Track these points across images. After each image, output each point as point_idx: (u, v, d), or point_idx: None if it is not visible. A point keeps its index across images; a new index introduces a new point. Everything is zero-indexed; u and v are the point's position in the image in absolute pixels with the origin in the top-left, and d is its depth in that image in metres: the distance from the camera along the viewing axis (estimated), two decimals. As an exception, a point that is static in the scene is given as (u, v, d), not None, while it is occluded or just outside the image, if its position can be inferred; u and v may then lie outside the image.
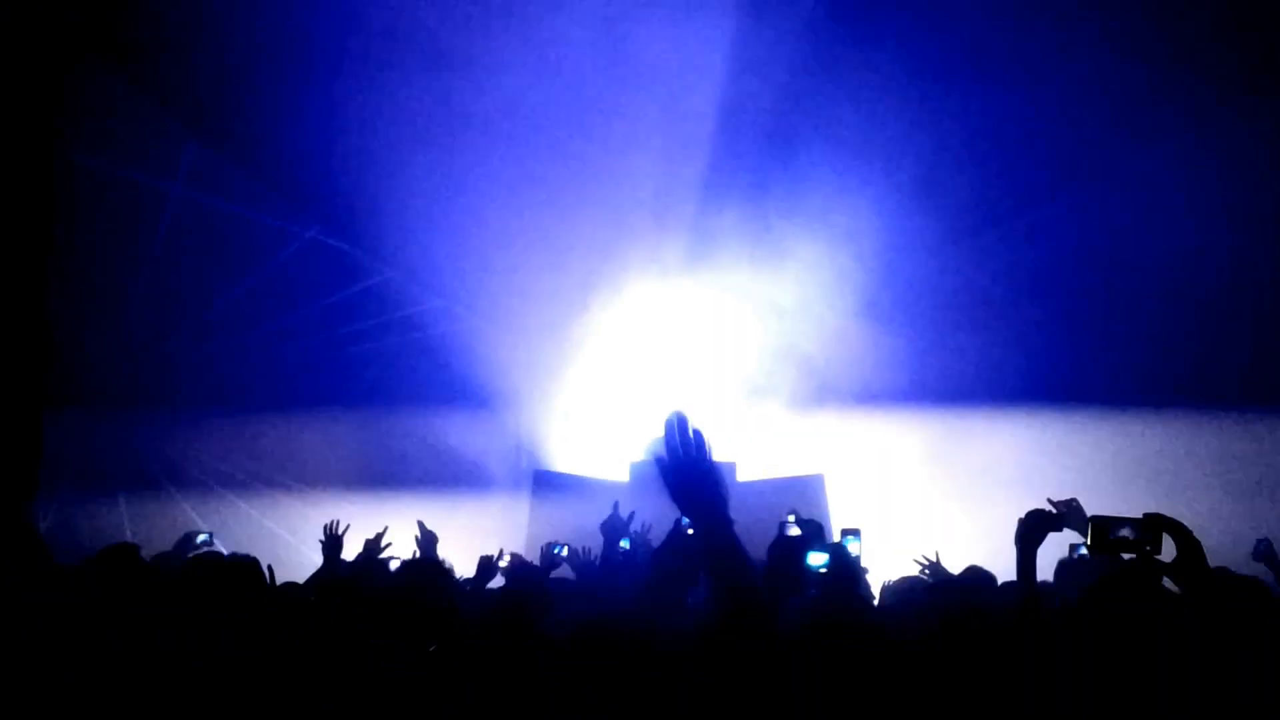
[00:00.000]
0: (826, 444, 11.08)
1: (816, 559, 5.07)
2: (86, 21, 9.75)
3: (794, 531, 5.80)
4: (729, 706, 2.43)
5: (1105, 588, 3.03)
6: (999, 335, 10.98)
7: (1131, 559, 3.02)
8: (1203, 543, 2.83)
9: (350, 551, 5.67)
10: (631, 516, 6.52)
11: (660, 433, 2.65)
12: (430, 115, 10.65)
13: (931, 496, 10.53)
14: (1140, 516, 3.01)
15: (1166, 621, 2.66)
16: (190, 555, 6.26)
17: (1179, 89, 9.89)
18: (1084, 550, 4.78)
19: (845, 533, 5.88)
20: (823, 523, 8.26)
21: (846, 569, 5.05)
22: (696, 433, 2.64)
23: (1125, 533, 3.00)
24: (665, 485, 2.63)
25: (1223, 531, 6.43)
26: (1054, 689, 2.67)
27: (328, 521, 5.72)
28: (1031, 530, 3.87)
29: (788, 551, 5.07)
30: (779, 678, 2.46)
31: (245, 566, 4.14)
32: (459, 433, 11.21)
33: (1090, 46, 10.03)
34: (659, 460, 2.64)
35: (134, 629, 3.23)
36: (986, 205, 11.07)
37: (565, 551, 6.62)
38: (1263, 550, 5.80)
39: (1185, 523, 2.95)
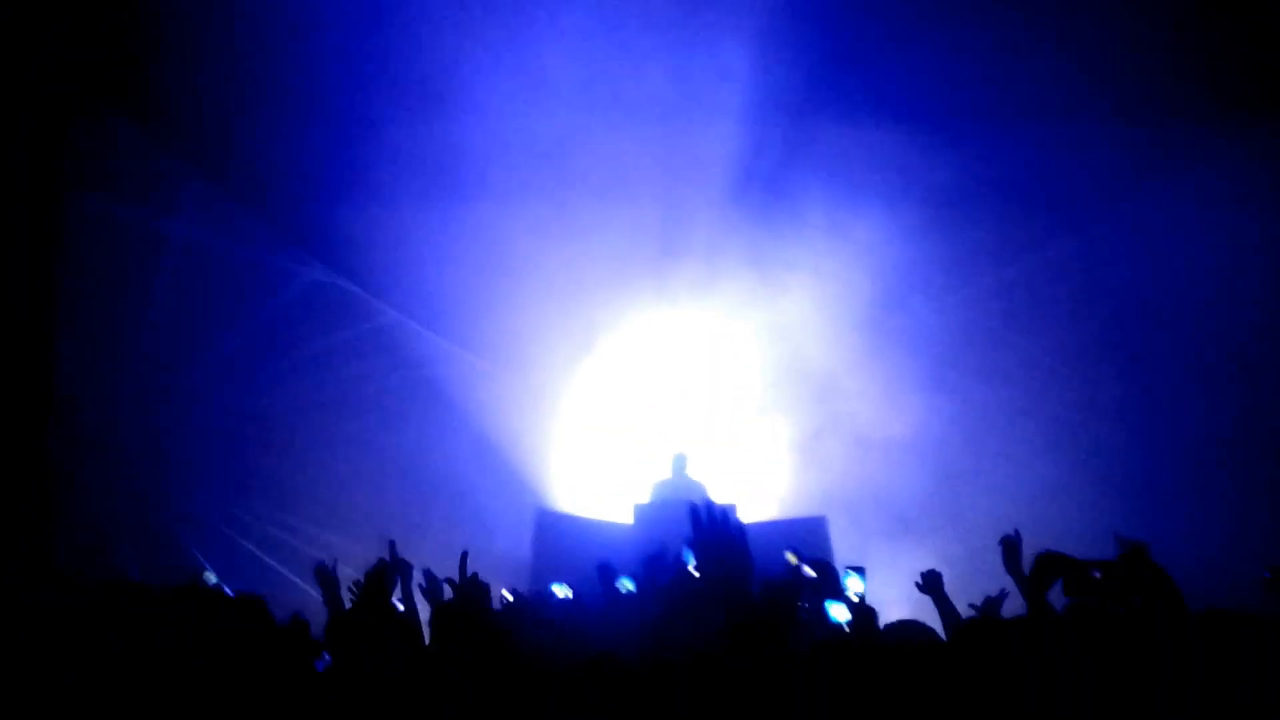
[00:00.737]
0: (830, 482, 11.05)
1: (840, 613, 5.07)
2: (92, 64, 9.87)
3: (809, 572, 5.78)
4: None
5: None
6: (1002, 373, 11.00)
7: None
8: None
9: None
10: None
11: (685, 501, 2.80)
12: (432, 154, 10.74)
13: (935, 537, 10.43)
14: (1113, 560, 3.10)
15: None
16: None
17: (1176, 131, 10.03)
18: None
19: (849, 569, 5.88)
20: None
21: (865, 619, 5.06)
22: (725, 512, 2.88)
23: (1098, 575, 3.08)
24: (697, 561, 2.85)
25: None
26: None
27: (318, 564, 5.63)
28: (1046, 571, 3.89)
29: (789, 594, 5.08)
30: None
31: (251, 604, 4.16)
32: (462, 472, 11.15)
33: (1094, 90, 10.15)
34: (689, 539, 2.84)
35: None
36: (992, 241, 11.12)
37: (568, 592, 6.62)
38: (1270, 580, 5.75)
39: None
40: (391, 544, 5.56)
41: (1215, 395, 10.31)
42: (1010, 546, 5.09)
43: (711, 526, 2.85)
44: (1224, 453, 10.13)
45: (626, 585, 6.58)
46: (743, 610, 2.75)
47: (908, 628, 4.72)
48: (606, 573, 6.60)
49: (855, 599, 5.71)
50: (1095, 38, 10.16)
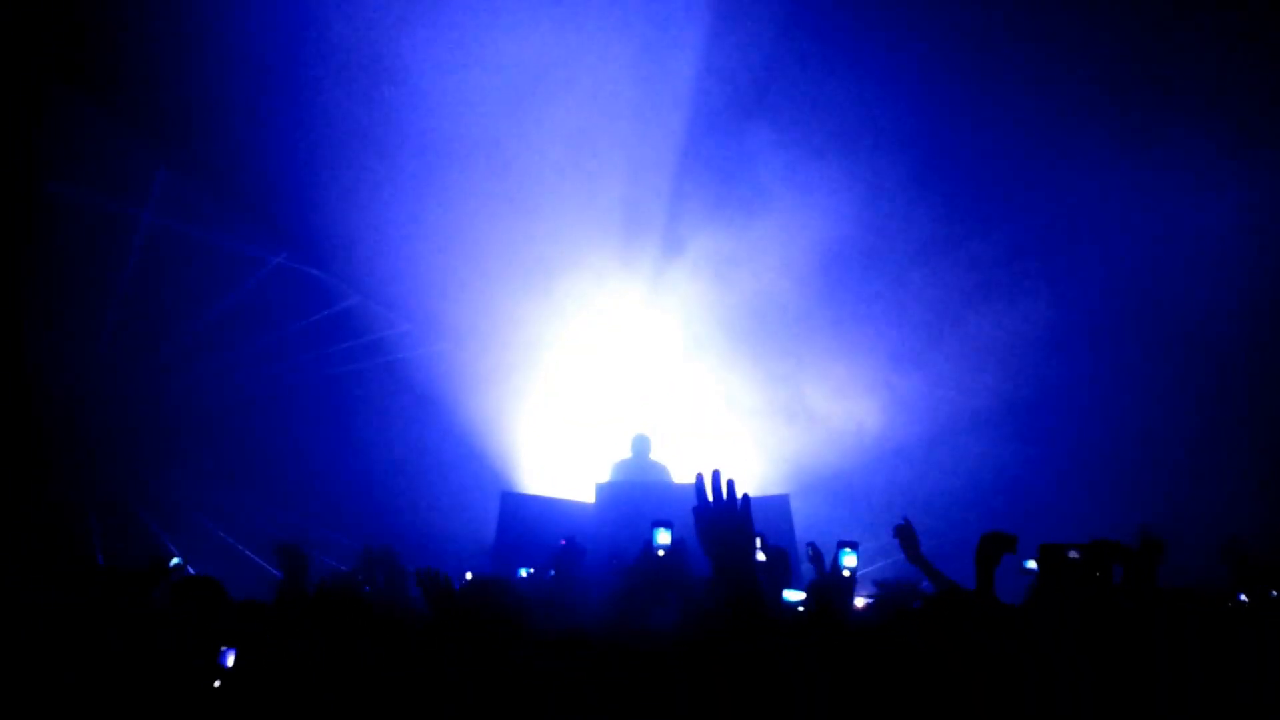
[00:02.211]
0: (791, 462, 11.31)
1: (792, 595, 5.26)
2: (60, 50, 9.89)
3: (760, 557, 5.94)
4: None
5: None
6: (969, 356, 11.27)
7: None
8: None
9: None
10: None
11: (690, 479, 2.84)
12: (398, 140, 10.84)
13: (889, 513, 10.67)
14: (1090, 542, 3.13)
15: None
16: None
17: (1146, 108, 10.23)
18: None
19: (842, 544, 6.03)
20: (787, 543, 8.50)
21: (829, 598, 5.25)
22: (730, 484, 2.81)
23: (1073, 555, 3.09)
24: (697, 531, 2.80)
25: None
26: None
27: (281, 544, 5.76)
28: (988, 550, 4.12)
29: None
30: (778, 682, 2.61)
31: (208, 584, 4.38)
32: (428, 454, 11.30)
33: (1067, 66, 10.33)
34: (696, 508, 2.81)
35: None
36: (957, 222, 11.33)
37: (528, 572, 6.78)
38: (1228, 546, 5.97)
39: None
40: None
41: (1185, 379, 10.60)
42: (904, 534, 5.42)
43: (718, 499, 2.78)
44: (1189, 434, 10.44)
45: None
46: (746, 590, 2.72)
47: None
48: (567, 556, 6.70)
49: (846, 573, 5.94)
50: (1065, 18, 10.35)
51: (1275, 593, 5.22)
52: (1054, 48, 10.44)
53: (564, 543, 6.61)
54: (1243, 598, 5.55)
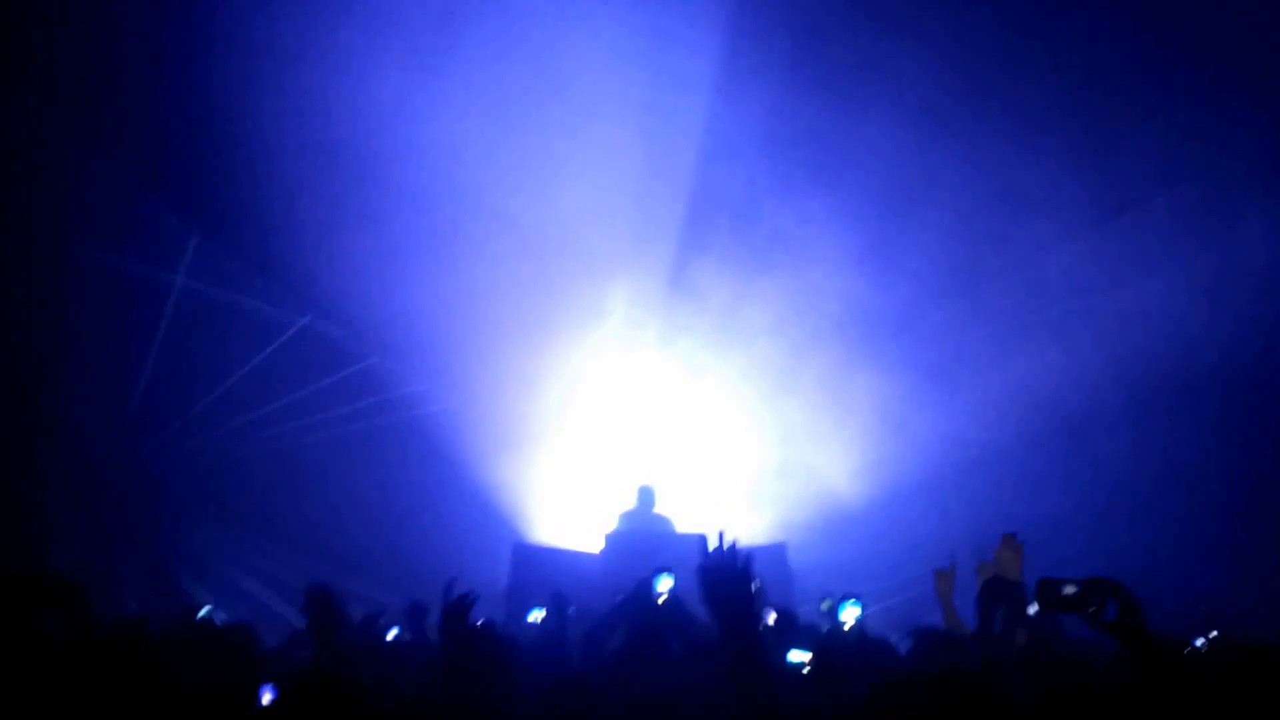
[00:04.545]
0: (789, 512, 11.65)
1: (798, 657, 5.41)
2: (97, 121, 10.42)
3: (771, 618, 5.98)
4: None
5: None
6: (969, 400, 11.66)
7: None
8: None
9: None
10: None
11: (692, 530, 3.07)
12: (416, 207, 11.27)
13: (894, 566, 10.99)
14: (1086, 578, 3.14)
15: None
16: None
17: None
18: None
19: (847, 599, 6.24)
20: (785, 590, 8.80)
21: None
22: (734, 545, 2.99)
23: (1070, 591, 3.09)
24: (702, 591, 2.92)
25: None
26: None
27: (311, 587, 5.10)
28: (990, 594, 4.40)
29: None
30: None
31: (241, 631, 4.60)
32: (443, 506, 11.72)
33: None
34: (701, 568, 2.96)
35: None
36: (950, 278, 11.79)
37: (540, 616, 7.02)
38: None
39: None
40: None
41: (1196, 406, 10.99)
42: (946, 579, 5.62)
43: (720, 559, 2.88)
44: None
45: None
46: (749, 653, 2.81)
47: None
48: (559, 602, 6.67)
49: (846, 628, 6.11)
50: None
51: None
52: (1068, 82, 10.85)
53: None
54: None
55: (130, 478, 11.07)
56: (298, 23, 10.17)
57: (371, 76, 10.79)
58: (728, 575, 2.95)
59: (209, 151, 10.49)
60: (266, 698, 4.07)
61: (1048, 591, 3.10)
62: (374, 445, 12.01)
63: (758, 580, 6.66)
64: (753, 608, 2.98)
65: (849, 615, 6.23)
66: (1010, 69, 10.67)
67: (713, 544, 3.00)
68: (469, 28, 10.87)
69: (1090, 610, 2.97)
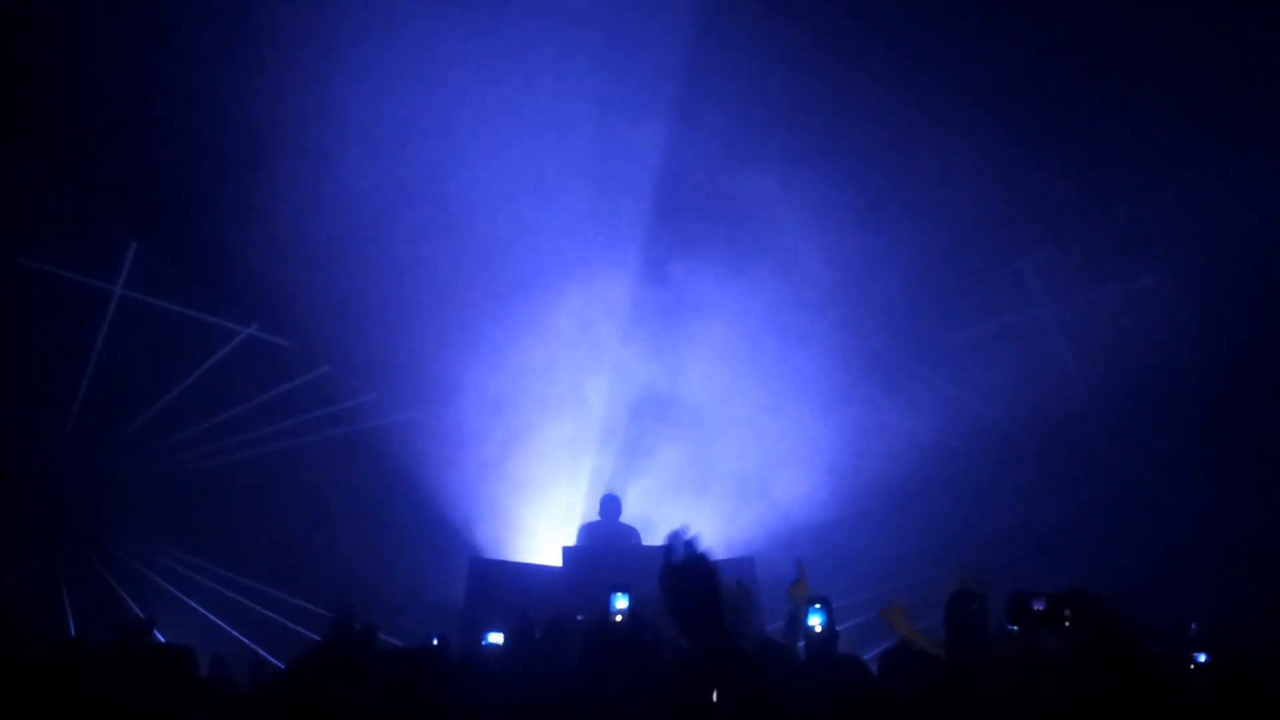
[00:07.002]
0: (758, 525, 11.42)
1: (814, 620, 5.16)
2: (32, 127, 10.05)
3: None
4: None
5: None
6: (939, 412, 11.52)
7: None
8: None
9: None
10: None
11: (660, 541, 2.85)
12: (363, 213, 10.96)
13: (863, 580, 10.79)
14: (1057, 591, 3.15)
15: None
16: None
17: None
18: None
19: (812, 607, 6.06)
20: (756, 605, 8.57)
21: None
22: (694, 541, 2.86)
23: (1040, 606, 3.11)
24: (663, 593, 2.77)
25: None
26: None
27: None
28: (959, 608, 4.31)
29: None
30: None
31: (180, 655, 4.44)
32: (395, 520, 11.36)
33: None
34: (664, 568, 2.80)
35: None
36: (928, 280, 11.48)
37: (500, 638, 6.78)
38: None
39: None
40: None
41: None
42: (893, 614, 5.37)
43: (688, 563, 2.75)
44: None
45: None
46: (715, 643, 2.69)
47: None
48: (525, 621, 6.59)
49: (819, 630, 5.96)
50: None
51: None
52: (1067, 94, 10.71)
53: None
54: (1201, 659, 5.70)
55: (68, 495, 10.62)
56: (233, 20, 9.83)
57: (318, 77, 10.50)
58: (693, 582, 2.77)
59: (148, 155, 10.11)
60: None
61: (1018, 606, 3.14)
62: (324, 458, 11.63)
63: (745, 586, 6.53)
64: (722, 617, 2.76)
65: (814, 623, 6.03)
66: (990, 62, 10.53)
67: (676, 548, 2.82)
68: (417, 19, 10.56)
69: (1064, 625, 2.94)
